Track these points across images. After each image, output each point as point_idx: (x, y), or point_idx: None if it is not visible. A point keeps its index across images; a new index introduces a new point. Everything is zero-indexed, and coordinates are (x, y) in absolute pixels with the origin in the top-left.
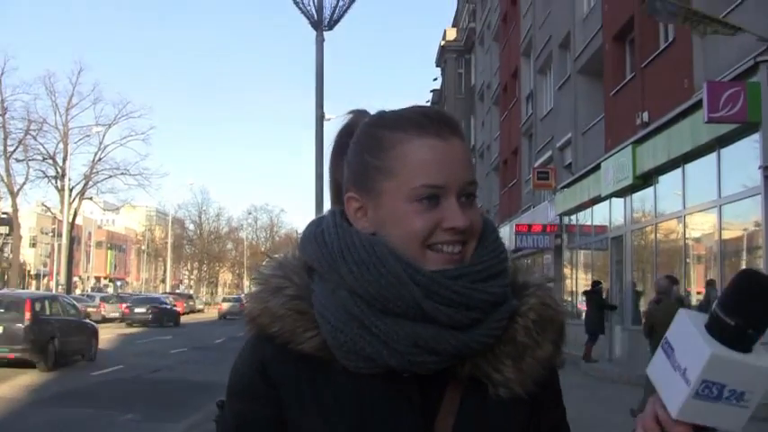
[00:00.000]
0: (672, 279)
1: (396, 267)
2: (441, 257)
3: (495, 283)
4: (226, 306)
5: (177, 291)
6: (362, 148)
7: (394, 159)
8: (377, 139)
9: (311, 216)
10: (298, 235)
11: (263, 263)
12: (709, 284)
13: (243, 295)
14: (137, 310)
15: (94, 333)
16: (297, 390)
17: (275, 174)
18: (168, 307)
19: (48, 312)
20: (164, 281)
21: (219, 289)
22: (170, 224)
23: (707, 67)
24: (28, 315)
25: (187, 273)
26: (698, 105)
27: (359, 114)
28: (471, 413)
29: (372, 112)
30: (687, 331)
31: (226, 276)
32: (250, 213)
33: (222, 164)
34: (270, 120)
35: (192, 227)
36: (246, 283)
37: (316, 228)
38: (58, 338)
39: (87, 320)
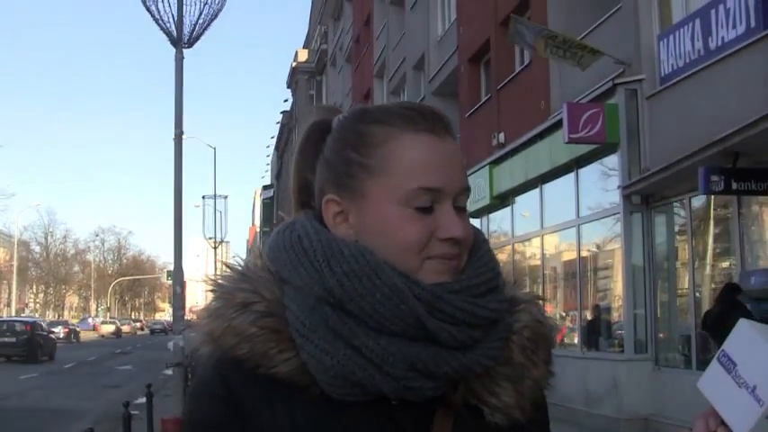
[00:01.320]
0: None
1: (393, 279)
2: (434, 269)
3: (494, 299)
4: (105, 328)
5: (22, 315)
6: (345, 144)
7: (384, 157)
8: (364, 135)
9: (162, 238)
10: (260, 243)
11: (221, 274)
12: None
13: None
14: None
15: (54, 342)
16: (270, 421)
17: (122, 195)
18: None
19: (37, 330)
20: (8, 305)
21: (66, 312)
22: (15, 246)
23: (564, 88)
24: (29, 332)
25: (33, 296)
26: (556, 126)
27: (330, 110)
28: None
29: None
30: (754, 345)
31: (72, 300)
32: (97, 235)
33: (69, 185)
34: (116, 140)
35: (38, 249)
36: (94, 306)
37: (290, 234)
38: (42, 345)
39: (51, 335)
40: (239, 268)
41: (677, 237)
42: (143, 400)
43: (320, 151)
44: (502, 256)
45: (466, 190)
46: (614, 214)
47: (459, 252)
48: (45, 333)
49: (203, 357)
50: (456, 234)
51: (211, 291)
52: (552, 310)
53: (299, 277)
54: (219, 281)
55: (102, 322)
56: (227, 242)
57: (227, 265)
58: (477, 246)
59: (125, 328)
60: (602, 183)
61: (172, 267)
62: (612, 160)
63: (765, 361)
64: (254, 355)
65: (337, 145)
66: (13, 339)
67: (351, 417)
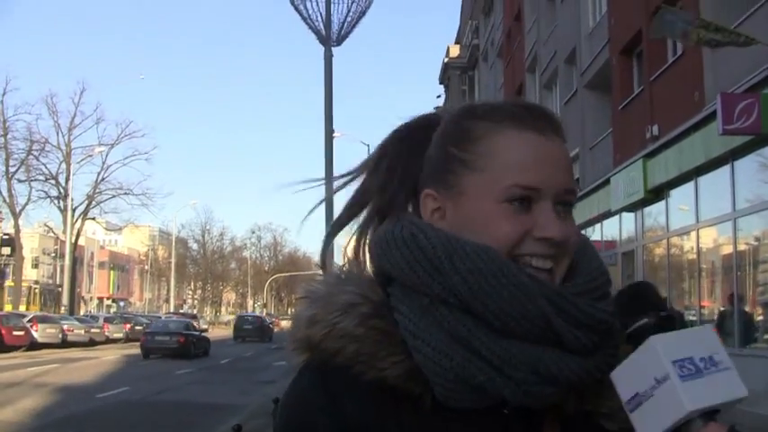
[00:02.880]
0: None
1: (521, 277)
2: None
3: (607, 304)
4: (284, 323)
5: (181, 311)
6: (447, 140)
7: (483, 152)
8: (465, 130)
9: (316, 235)
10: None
11: (315, 280)
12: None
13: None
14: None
15: (272, 329)
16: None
17: (279, 192)
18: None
19: (264, 322)
20: (167, 301)
21: (223, 308)
22: (173, 244)
23: (718, 79)
24: (259, 322)
25: (191, 292)
26: (710, 118)
27: (443, 110)
28: None
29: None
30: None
31: (229, 296)
32: (254, 233)
33: (226, 183)
34: (273, 137)
35: (195, 246)
36: (251, 302)
37: (401, 230)
38: (266, 331)
39: (271, 325)
40: (335, 271)
41: None
42: None
43: (424, 148)
44: (658, 251)
45: (569, 192)
46: None
47: (554, 254)
48: (267, 323)
49: (297, 366)
50: (551, 234)
51: (303, 298)
52: (710, 304)
53: (415, 276)
54: (313, 286)
55: (281, 318)
56: None
57: (323, 270)
58: (584, 249)
59: None
60: (759, 174)
61: None
62: None
63: (646, 360)
64: (360, 356)
65: (440, 141)
66: (250, 327)
67: (462, 427)
